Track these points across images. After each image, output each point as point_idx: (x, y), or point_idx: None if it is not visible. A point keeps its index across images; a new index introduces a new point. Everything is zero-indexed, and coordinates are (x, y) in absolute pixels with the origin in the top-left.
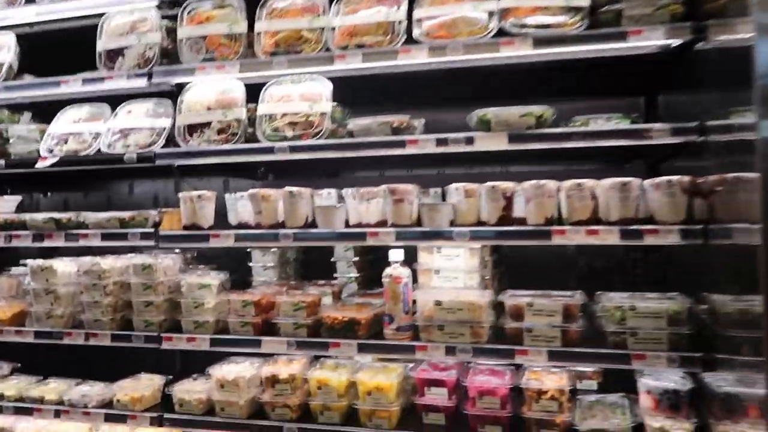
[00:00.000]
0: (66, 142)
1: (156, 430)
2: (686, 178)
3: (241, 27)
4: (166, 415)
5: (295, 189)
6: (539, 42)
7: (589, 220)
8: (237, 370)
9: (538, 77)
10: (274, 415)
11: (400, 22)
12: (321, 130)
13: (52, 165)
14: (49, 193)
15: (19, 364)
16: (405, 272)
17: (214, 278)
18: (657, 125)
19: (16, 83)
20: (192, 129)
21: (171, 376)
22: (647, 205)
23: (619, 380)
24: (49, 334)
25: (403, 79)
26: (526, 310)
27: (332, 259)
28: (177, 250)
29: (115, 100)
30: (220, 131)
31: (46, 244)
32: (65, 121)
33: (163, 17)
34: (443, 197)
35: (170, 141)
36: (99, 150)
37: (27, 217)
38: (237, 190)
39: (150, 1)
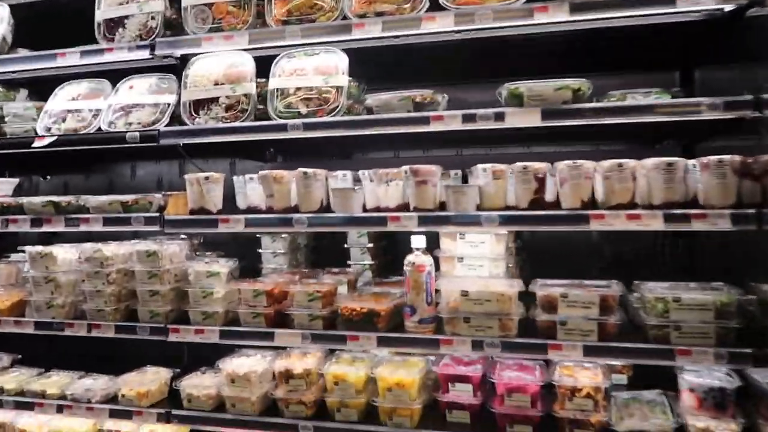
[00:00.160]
0: (64, 121)
1: (163, 426)
2: (737, 158)
3: None
4: (174, 412)
5: (309, 170)
6: (577, 8)
7: (629, 204)
8: (248, 364)
9: (565, 50)
10: (288, 412)
11: None
12: (337, 106)
13: (50, 144)
14: (48, 176)
15: (20, 356)
16: (428, 260)
17: (223, 266)
18: (707, 99)
19: (10, 56)
20: (198, 105)
21: (178, 369)
22: (688, 187)
23: (647, 374)
24: (49, 325)
25: (421, 50)
26: (559, 302)
27: (345, 245)
28: (183, 236)
29: (115, 75)
30: (228, 108)
31: (45, 229)
32: (63, 98)
33: None
34: (463, 179)
35: (175, 119)
36: (99, 128)
37: (24, 200)
38: (244, 172)
39: None
